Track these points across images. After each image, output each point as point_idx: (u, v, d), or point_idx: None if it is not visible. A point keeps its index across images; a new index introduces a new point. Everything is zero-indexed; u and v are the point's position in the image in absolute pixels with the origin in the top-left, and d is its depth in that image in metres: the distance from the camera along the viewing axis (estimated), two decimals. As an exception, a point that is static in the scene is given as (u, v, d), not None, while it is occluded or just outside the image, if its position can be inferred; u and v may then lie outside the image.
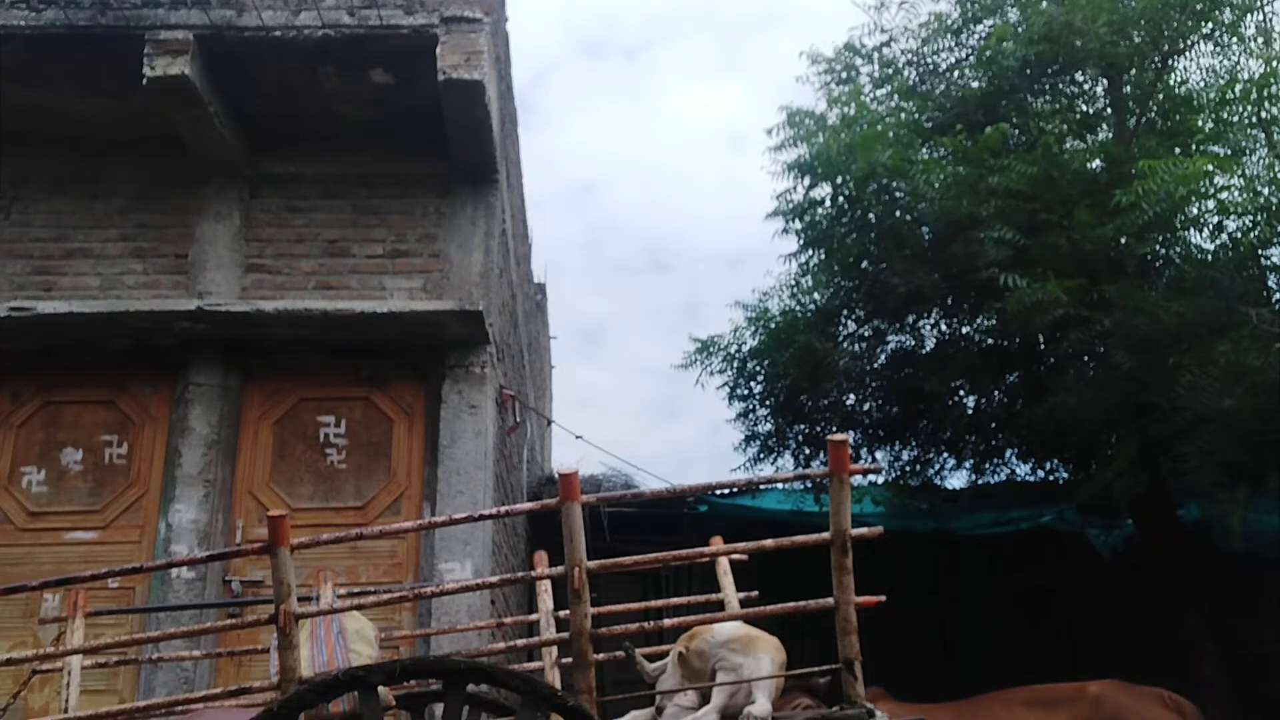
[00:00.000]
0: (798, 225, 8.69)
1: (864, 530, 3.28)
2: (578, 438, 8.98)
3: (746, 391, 9.31)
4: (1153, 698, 5.72)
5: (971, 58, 8.45)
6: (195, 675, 5.51)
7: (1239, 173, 7.00)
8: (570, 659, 3.34)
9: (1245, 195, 6.80)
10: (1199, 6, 7.44)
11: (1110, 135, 8.12)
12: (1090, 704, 5.57)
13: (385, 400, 6.15)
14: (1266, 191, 6.71)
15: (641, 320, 43.19)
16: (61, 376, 6.11)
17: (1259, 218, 6.68)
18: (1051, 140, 7.31)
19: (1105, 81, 8.16)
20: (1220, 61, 7.89)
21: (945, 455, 9.09)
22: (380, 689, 3.12)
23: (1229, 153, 7.52)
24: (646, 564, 3.59)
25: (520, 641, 4.34)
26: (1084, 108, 8.41)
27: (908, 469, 9.14)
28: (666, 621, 4.32)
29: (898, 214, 7.91)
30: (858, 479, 8.45)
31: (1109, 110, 8.27)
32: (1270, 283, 7.18)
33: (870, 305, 8.41)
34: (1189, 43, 7.82)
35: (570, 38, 57.81)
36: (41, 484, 5.96)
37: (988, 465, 9.02)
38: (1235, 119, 7.53)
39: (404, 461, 6.03)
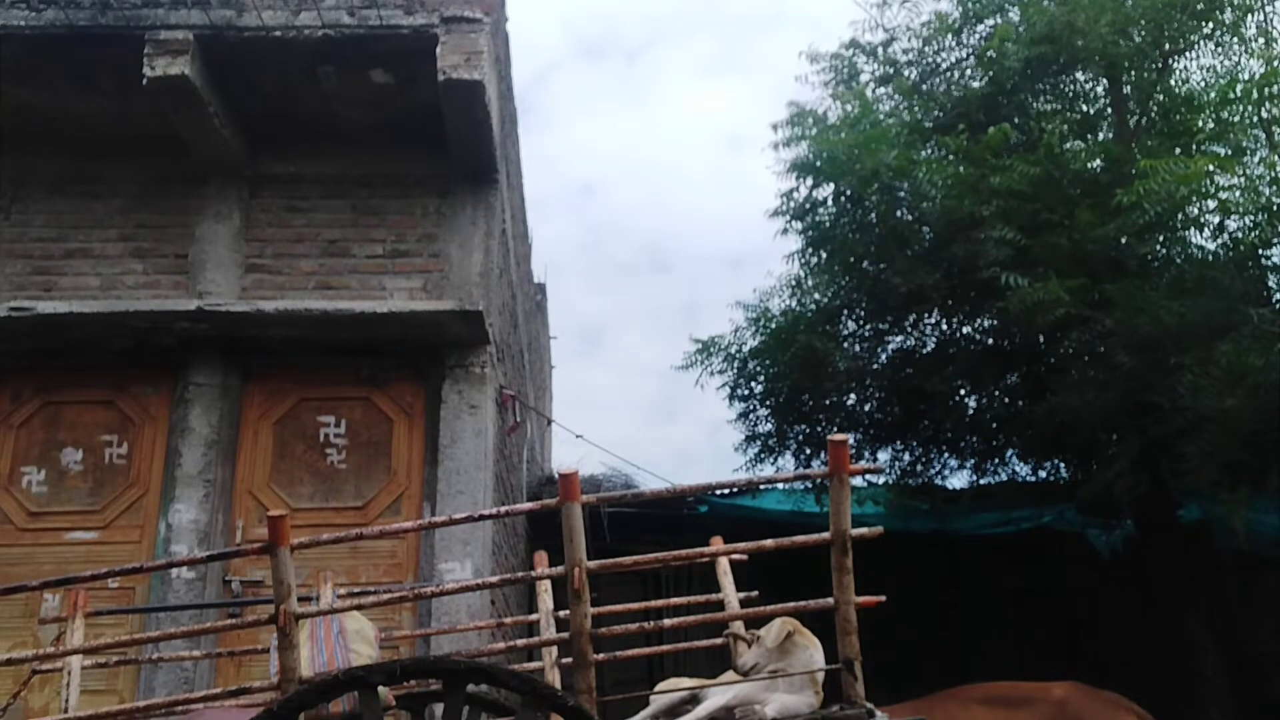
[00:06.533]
0: (799, 225, 8.69)
1: (864, 530, 3.28)
2: (578, 437, 9.03)
3: (747, 392, 9.31)
4: (1113, 703, 5.69)
5: (973, 57, 8.46)
6: (195, 675, 5.50)
7: (1240, 172, 7.01)
8: (570, 659, 3.33)
9: (1246, 195, 6.80)
10: (1200, 7, 7.44)
11: (1111, 135, 8.13)
12: (1056, 706, 5.54)
13: (385, 400, 6.14)
14: (1268, 191, 6.72)
15: (641, 320, 43.20)
16: (61, 376, 6.11)
17: (1260, 218, 6.68)
18: (1053, 140, 7.31)
19: (1106, 81, 8.17)
20: (1221, 61, 7.91)
21: (946, 455, 9.10)
22: (380, 689, 3.12)
23: (1230, 153, 7.53)
24: (646, 564, 3.58)
25: (520, 641, 4.34)
26: (1085, 108, 8.42)
27: (908, 469, 9.14)
28: (666, 621, 4.32)
29: (899, 214, 7.92)
30: (859, 480, 8.45)
31: (1110, 110, 8.27)
32: (1271, 283, 7.18)
33: (871, 305, 8.41)
34: (1190, 43, 7.82)
35: (570, 38, 57.83)
36: (41, 484, 5.95)
37: (988, 465, 9.03)
38: (1236, 119, 7.54)
39: (404, 461, 6.02)
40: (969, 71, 8.50)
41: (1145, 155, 7.08)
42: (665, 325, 41.83)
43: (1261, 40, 7.64)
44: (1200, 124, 7.78)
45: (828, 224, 8.56)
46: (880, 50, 8.83)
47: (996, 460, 8.95)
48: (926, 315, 8.50)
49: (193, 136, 6.11)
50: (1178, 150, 7.18)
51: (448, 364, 6.09)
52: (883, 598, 3.39)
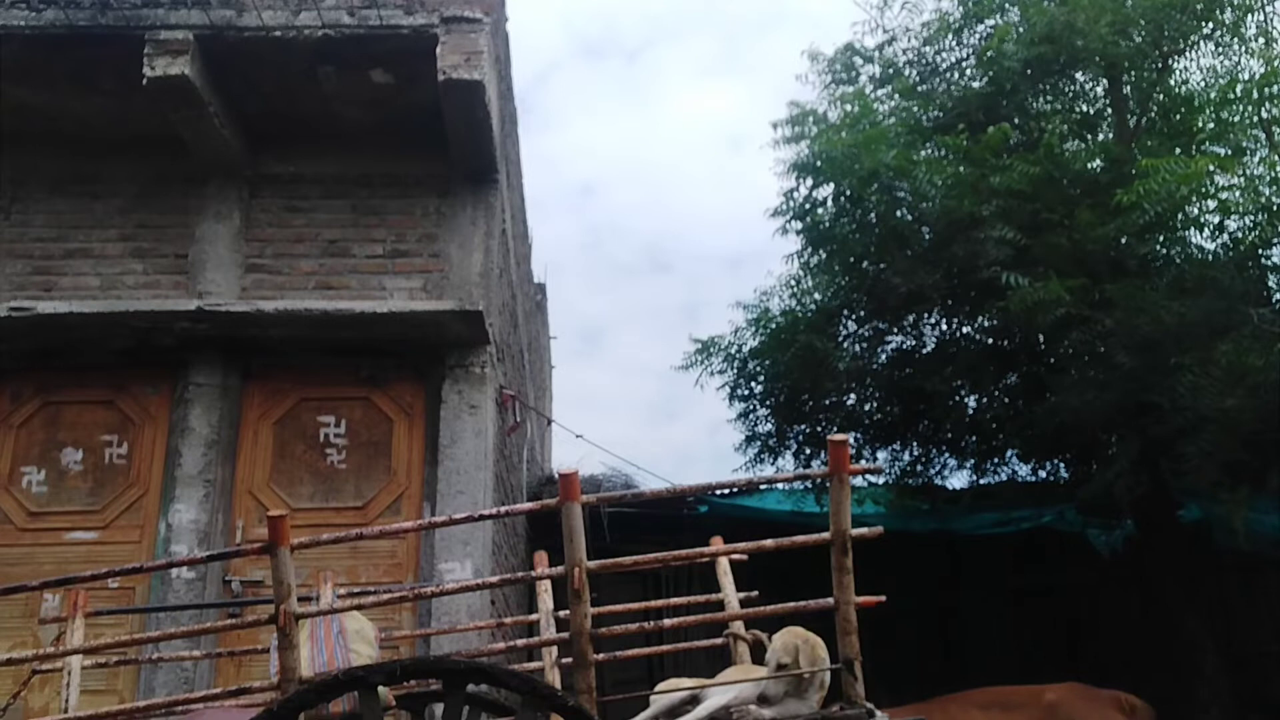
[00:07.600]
0: (799, 225, 8.69)
1: (864, 530, 3.28)
2: (578, 437, 9.02)
3: (747, 392, 9.31)
4: (1109, 701, 5.72)
5: (973, 57, 8.45)
6: (195, 675, 5.50)
7: (1240, 172, 7.01)
8: (570, 659, 3.33)
9: (1246, 195, 6.80)
10: (1199, 7, 7.44)
11: (1111, 135, 8.13)
12: (1046, 710, 5.58)
13: (385, 400, 6.14)
14: (1267, 191, 6.71)
15: (641, 320, 43.20)
16: (61, 376, 6.10)
17: (1260, 217, 6.68)
18: (1053, 140, 7.31)
19: (1106, 81, 8.17)
20: (1221, 61, 7.90)
21: (946, 455, 9.09)
22: (380, 689, 3.12)
23: (1230, 152, 7.53)
24: (646, 564, 3.58)
25: (520, 641, 4.34)
26: (1085, 108, 8.42)
27: (908, 469, 9.14)
28: (666, 621, 4.32)
29: (899, 214, 7.92)
30: (859, 480, 8.45)
31: (1110, 110, 8.27)
32: (1271, 283, 7.19)
33: (871, 305, 8.40)
34: (1190, 43, 7.82)
35: (571, 38, 57.85)
36: (41, 484, 5.95)
37: (988, 465, 9.03)
38: (1236, 119, 7.54)
39: (404, 461, 6.02)
40: (969, 71, 8.50)
41: (1145, 155, 7.08)
42: (665, 325, 41.86)
43: (1261, 40, 7.63)
44: (1200, 124, 7.78)
45: (828, 224, 8.56)
46: (880, 51, 8.84)
47: (996, 460, 8.95)
48: (926, 315, 8.50)
49: (193, 136, 6.11)
50: (1178, 150, 7.18)
51: (448, 364, 6.09)
52: (883, 598, 3.39)
